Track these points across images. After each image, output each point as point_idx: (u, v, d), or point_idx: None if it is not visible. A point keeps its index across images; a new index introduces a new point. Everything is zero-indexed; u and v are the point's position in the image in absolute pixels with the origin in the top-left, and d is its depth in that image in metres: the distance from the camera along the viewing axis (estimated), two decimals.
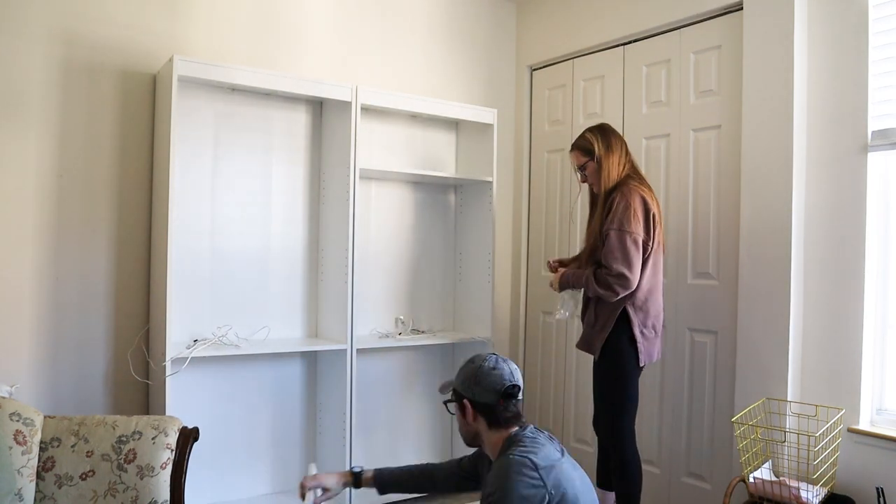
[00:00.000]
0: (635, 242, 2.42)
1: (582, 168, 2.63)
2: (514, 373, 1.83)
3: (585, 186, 2.72)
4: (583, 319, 2.64)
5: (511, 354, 3.86)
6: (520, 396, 1.83)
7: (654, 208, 2.50)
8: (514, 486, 1.60)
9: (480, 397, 1.79)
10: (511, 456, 1.67)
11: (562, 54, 3.66)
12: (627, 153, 2.61)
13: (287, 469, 3.09)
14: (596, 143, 2.56)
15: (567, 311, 2.66)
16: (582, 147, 2.61)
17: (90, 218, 2.70)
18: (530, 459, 1.64)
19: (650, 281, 2.50)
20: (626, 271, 2.40)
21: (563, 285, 2.63)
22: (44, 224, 2.60)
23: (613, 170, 2.54)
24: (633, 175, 2.57)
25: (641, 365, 2.50)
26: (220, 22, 2.96)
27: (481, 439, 1.85)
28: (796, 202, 2.63)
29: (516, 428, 1.80)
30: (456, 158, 3.59)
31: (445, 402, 1.94)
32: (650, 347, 2.53)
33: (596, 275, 2.46)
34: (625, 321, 2.48)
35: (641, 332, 2.49)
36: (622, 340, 2.48)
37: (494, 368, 1.81)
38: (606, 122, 2.78)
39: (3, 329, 2.52)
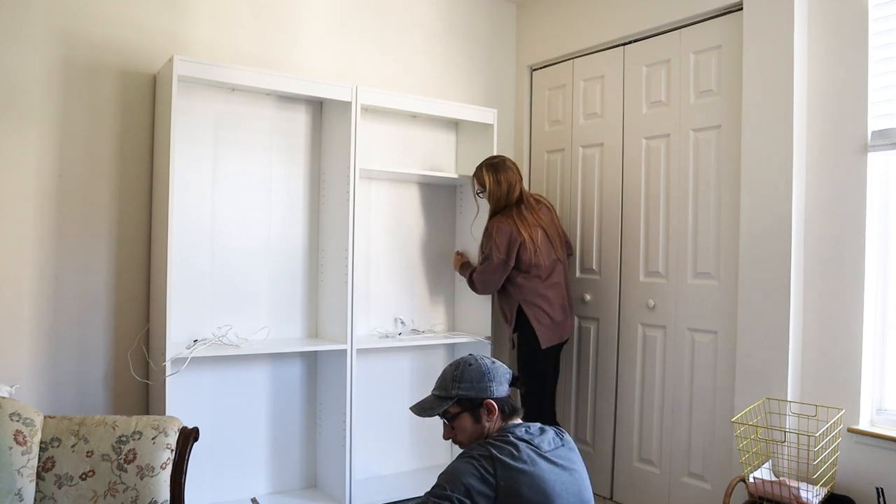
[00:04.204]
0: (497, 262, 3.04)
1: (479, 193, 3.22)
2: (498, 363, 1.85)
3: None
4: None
5: (511, 354, 3.85)
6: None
7: (521, 237, 3.03)
8: (464, 471, 1.59)
9: (498, 391, 1.77)
10: (486, 444, 1.66)
11: (562, 54, 3.66)
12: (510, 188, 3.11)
13: (286, 469, 3.09)
14: (488, 179, 3.10)
15: None
16: (478, 179, 3.17)
17: (90, 218, 2.70)
18: (492, 455, 1.62)
19: (531, 284, 3.08)
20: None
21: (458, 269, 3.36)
22: (44, 224, 2.60)
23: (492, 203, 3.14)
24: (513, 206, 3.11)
25: (544, 348, 3.06)
26: (220, 22, 2.96)
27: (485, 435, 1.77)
28: (796, 202, 2.63)
29: (518, 419, 1.79)
30: (456, 158, 3.59)
31: (450, 417, 1.80)
32: (549, 333, 3.08)
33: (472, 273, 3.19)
34: (522, 315, 3.09)
35: (538, 321, 3.05)
36: (526, 329, 3.08)
37: (494, 363, 1.81)
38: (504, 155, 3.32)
39: (3, 329, 2.52)
